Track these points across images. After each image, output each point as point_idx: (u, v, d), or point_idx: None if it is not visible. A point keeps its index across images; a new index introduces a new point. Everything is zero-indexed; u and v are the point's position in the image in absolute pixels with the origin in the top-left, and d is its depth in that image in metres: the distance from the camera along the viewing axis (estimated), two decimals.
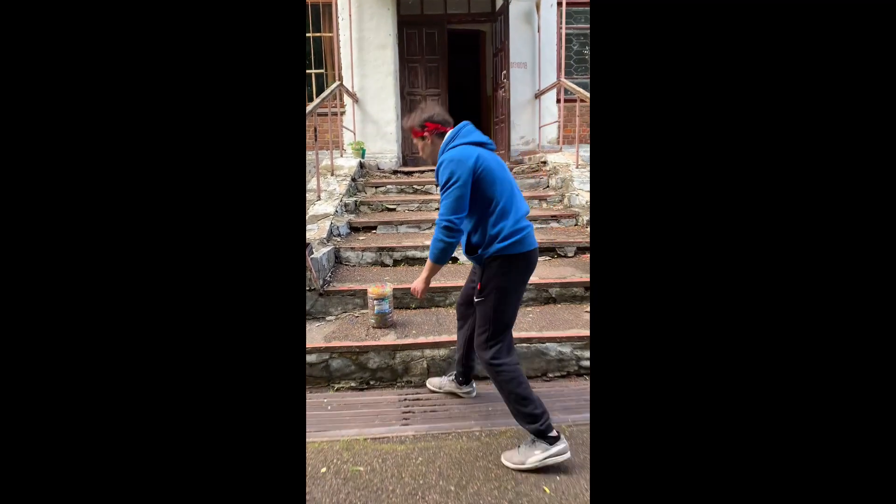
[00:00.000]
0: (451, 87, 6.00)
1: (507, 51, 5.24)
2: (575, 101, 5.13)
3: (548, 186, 4.37)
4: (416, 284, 1.79)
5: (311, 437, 1.82)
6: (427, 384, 2.22)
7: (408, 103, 5.72)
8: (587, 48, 5.43)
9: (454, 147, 1.60)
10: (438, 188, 1.62)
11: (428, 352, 2.27)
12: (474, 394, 2.14)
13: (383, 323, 2.43)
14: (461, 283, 2.73)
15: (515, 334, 2.06)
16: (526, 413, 1.60)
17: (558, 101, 5.51)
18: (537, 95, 5.50)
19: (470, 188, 1.53)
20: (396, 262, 3.13)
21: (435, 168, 1.65)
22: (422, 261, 3.09)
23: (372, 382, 2.26)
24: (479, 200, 1.57)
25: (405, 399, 2.15)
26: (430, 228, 3.58)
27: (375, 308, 2.39)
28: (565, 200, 3.97)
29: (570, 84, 4.35)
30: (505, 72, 5.32)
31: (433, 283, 2.74)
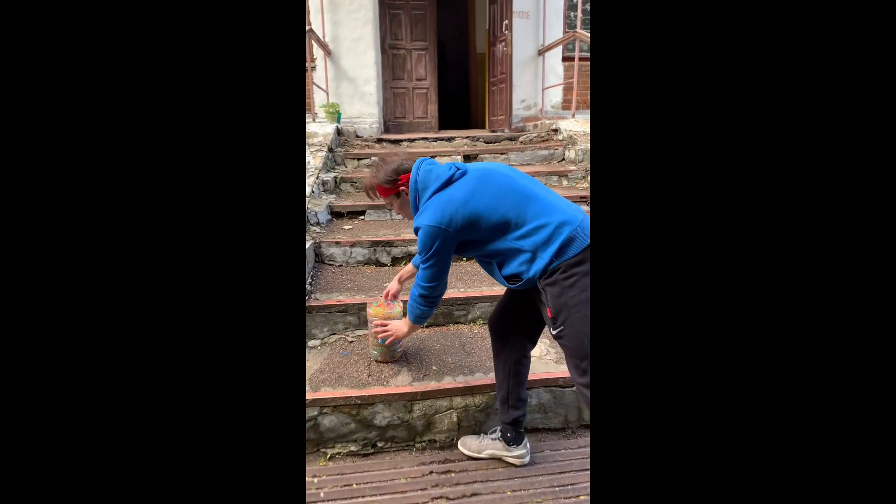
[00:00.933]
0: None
1: None
2: (588, 59, 4.42)
3: (563, 159, 3.71)
4: (396, 331, 1.58)
5: None
6: (460, 447, 1.58)
7: (389, 58, 4.86)
8: None
9: (425, 205, 1.30)
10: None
11: (458, 400, 1.62)
12: (528, 458, 1.52)
13: (390, 356, 1.75)
14: (488, 291, 2.08)
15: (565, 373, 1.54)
16: None
17: (565, 59, 4.79)
18: (541, 52, 4.76)
19: (452, 252, 1.32)
20: (396, 261, 2.43)
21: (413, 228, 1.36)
22: None
23: (380, 445, 1.60)
24: (485, 234, 1.26)
25: (431, 472, 1.50)
26: None
27: (379, 336, 1.71)
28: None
29: (588, 37, 3.63)
30: (507, 21, 4.52)
31: (451, 294, 2.08)
